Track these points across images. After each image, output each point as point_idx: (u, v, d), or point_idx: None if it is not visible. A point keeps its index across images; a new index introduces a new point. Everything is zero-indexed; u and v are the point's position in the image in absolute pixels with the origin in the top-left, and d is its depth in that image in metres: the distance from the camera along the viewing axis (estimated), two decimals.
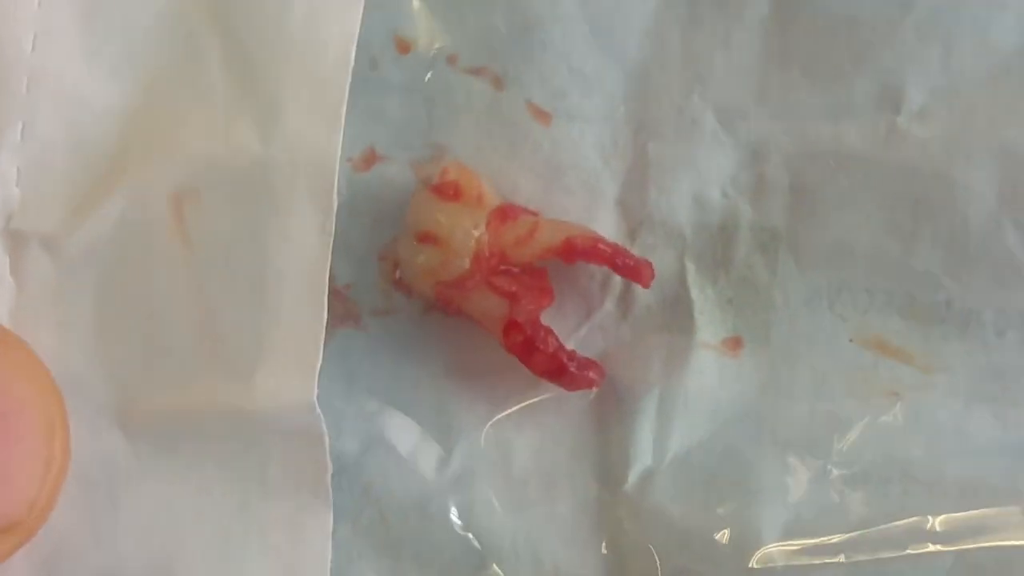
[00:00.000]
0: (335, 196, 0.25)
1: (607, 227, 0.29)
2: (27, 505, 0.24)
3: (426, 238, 0.27)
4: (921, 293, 0.29)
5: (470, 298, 0.27)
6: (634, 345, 0.29)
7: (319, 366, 0.25)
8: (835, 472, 0.29)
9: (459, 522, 0.29)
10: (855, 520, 0.28)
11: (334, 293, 0.28)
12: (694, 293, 0.29)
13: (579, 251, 0.27)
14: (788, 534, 0.28)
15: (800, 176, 0.29)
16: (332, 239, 0.26)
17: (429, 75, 0.29)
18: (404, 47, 0.28)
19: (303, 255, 0.26)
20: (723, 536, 0.28)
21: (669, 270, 0.29)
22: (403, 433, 0.29)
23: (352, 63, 0.26)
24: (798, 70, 0.29)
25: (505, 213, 0.28)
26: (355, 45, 0.26)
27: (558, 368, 0.27)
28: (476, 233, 0.27)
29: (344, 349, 0.28)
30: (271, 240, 0.26)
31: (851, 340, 0.29)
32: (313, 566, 0.26)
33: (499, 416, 0.29)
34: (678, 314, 0.29)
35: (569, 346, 0.28)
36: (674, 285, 0.29)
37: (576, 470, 0.29)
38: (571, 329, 0.29)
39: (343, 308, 0.29)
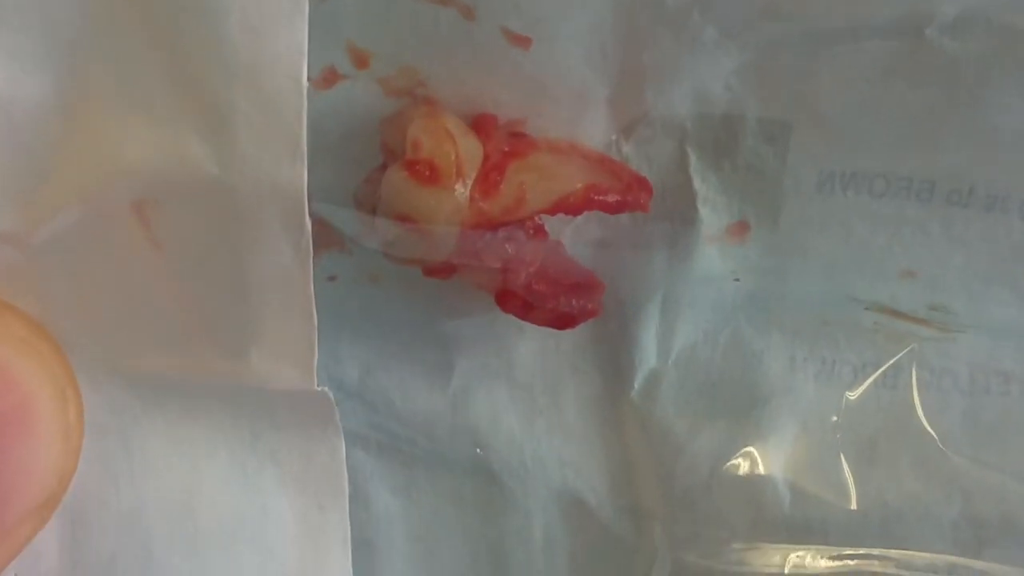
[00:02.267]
0: (307, 220, 0.24)
1: (598, 127, 0.26)
2: (56, 478, 0.25)
3: (403, 219, 0.25)
4: (943, 181, 0.26)
5: (460, 275, 0.26)
6: (634, 235, 0.27)
7: (315, 364, 0.25)
8: (842, 366, 0.28)
9: (467, 437, 0.29)
10: (861, 422, 0.28)
11: (314, 222, 0.27)
12: (696, 182, 0.27)
13: (572, 209, 0.26)
14: (796, 449, 0.28)
15: (813, 68, 0.25)
16: (311, 255, 0.24)
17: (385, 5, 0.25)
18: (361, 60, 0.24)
19: (281, 269, 0.24)
20: (731, 466, 0.28)
21: (669, 158, 0.27)
22: (401, 351, 0.28)
23: (305, 83, 0.23)
24: None
25: (487, 185, 0.25)
26: (305, 60, 0.22)
27: (557, 319, 0.27)
28: (458, 216, 0.25)
29: (330, 273, 0.27)
30: (244, 252, 0.24)
31: (865, 308, 0.27)
32: (330, 487, 0.27)
33: (497, 323, 0.28)
34: (680, 203, 0.27)
35: (566, 235, 0.27)
36: (675, 173, 0.27)
37: (581, 373, 0.29)
38: (568, 218, 0.27)
39: (325, 234, 0.27)
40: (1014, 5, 0.24)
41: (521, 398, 0.29)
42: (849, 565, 0.28)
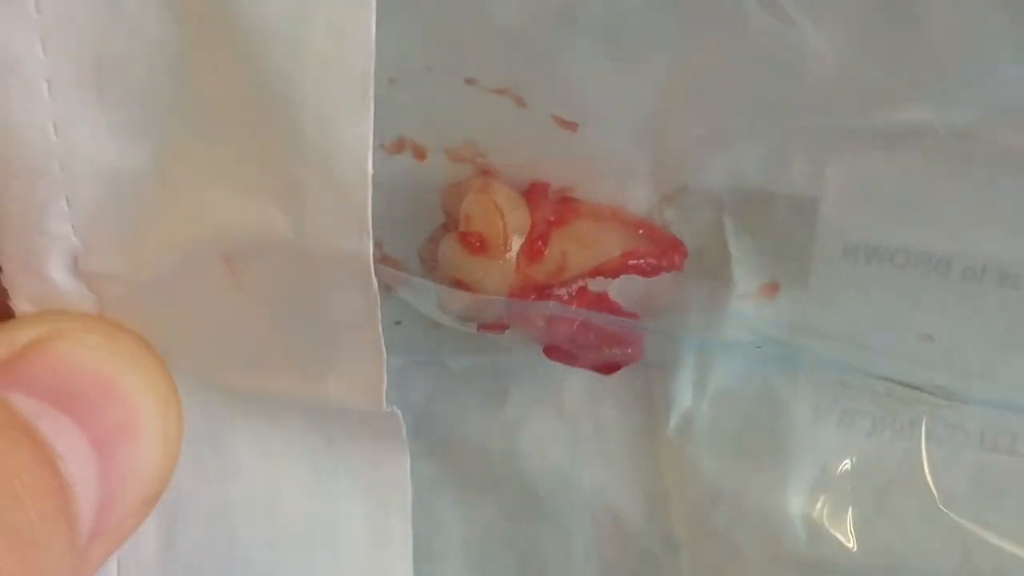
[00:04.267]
0: (374, 280, 0.26)
1: (641, 197, 0.29)
2: (157, 479, 0.28)
3: (458, 284, 0.28)
4: (958, 258, 0.29)
5: (510, 332, 0.29)
6: (674, 290, 0.30)
7: (385, 386, 0.28)
8: (863, 418, 0.31)
9: (517, 461, 0.32)
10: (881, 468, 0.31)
11: (384, 259, 0.30)
12: (732, 246, 0.29)
13: (610, 273, 0.28)
14: (815, 492, 0.31)
15: (835, 158, 0.28)
16: (378, 305, 0.27)
17: (448, 95, 0.28)
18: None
19: (353, 315, 0.27)
20: (751, 502, 0.31)
21: (706, 224, 0.29)
22: (462, 382, 0.31)
23: (370, 170, 0.25)
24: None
25: (533, 252, 0.28)
26: (370, 150, 0.25)
27: (602, 367, 0.30)
28: (507, 282, 0.28)
29: (397, 318, 0.30)
30: (319, 301, 0.27)
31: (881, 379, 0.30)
32: (396, 494, 0.30)
33: (548, 361, 0.30)
34: (716, 263, 0.30)
35: (611, 287, 0.30)
36: (712, 237, 0.29)
37: (623, 409, 0.31)
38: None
39: (395, 275, 0.30)
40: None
41: (567, 428, 0.32)
42: None
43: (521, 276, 0.28)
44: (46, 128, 0.26)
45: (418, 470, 0.30)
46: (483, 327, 0.29)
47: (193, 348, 0.29)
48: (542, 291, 0.28)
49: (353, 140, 0.25)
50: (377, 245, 0.28)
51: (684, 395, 0.31)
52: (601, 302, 0.29)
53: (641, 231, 0.29)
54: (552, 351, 0.29)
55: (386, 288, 0.29)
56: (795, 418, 0.30)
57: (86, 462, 0.26)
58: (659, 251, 0.28)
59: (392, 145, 0.28)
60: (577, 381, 0.31)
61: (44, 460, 0.25)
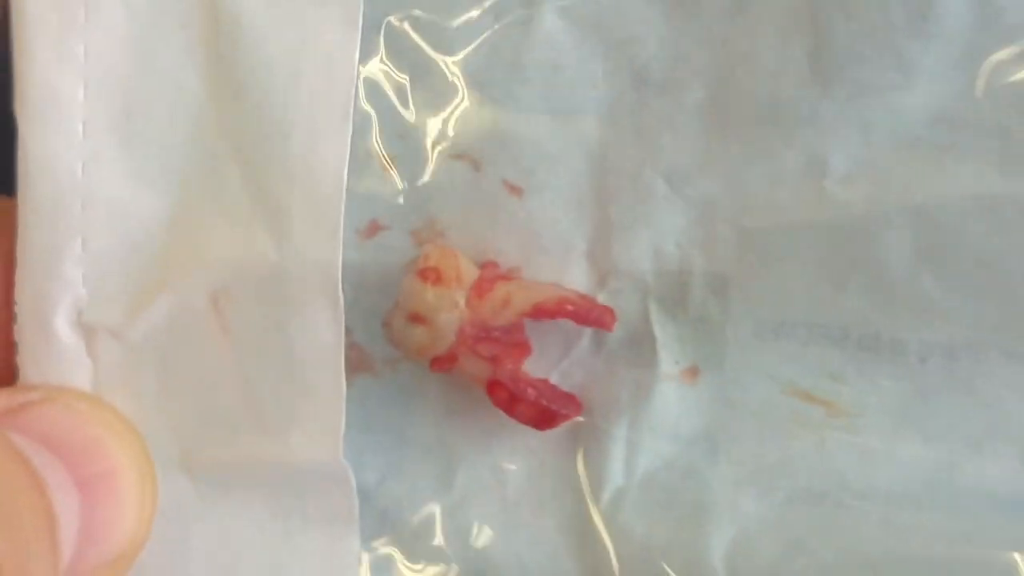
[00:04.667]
0: (340, 294, 0.30)
1: (579, 278, 0.34)
2: (130, 539, 0.30)
3: (415, 319, 0.32)
4: (854, 327, 0.33)
5: (459, 364, 0.33)
6: (607, 376, 0.34)
7: (342, 431, 0.31)
8: (778, 490, 0.34)
9: (461, 543, 0.34)
10: (792, 535, 0.34)
11: (351, 346, 0.33)
12: (656, 330, 0.34)
13: (547, 313, 0.32)
14: (733, 548, 0.33)
15: (743, 230, 0.33)
16: (342, 326, 0.31)
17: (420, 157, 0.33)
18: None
19: (320, 342, 0.31)
20: (676, 556, 0.34)
21: (635, 311, 0.34)
22: (412, 465, 0.34)
23: (345, 183, 0.30)
24: (735, 143, 0.32)
25: (481, 287, 0.32)
26: (346, 167, 0.30)
27: (541, 413, 0.33)
28: (457, 312, 0.32)
29: (362, 394, 0.34)
30: (293, 330, 0.31)
31: (781, 392, 0.33)
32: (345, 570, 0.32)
33: (493, 446, 0.34)
34: (644, 349, 0.34)
35: (552, 378, 0.34)
36: (639, 323, 0.34)
37: (560, 491, 0.34)
38: (553, 364, 0.34)
39: (359, 358, 0.34)
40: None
41: (509, 509, 0.34)
42: None
43: (471, 308, 0.32)
44: (75, 167, 0.31)
45: (368, 548, 0.33)
46: (436, 362, 0.32)
47: (173, 422, 0.32)
48: (487, 329, 0.32)
49: (334, 155, 0.31)
50: (348, 332, 0.32)
51: (616, 475, 0.34)
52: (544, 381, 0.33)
53: (578, 295, 0.33)
54: (494, 388, 0.32)
55: (352, 368, 0.33)
56: (717, 494, 0.33)
57: (71, 500, 0.29)
58: (591, 306, 0.33)
59: (366, 229, 0.33)
60: (519, 469, 0.34)
61: (36, 485, 0.28)
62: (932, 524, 0.33)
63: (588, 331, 0.34)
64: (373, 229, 0.33)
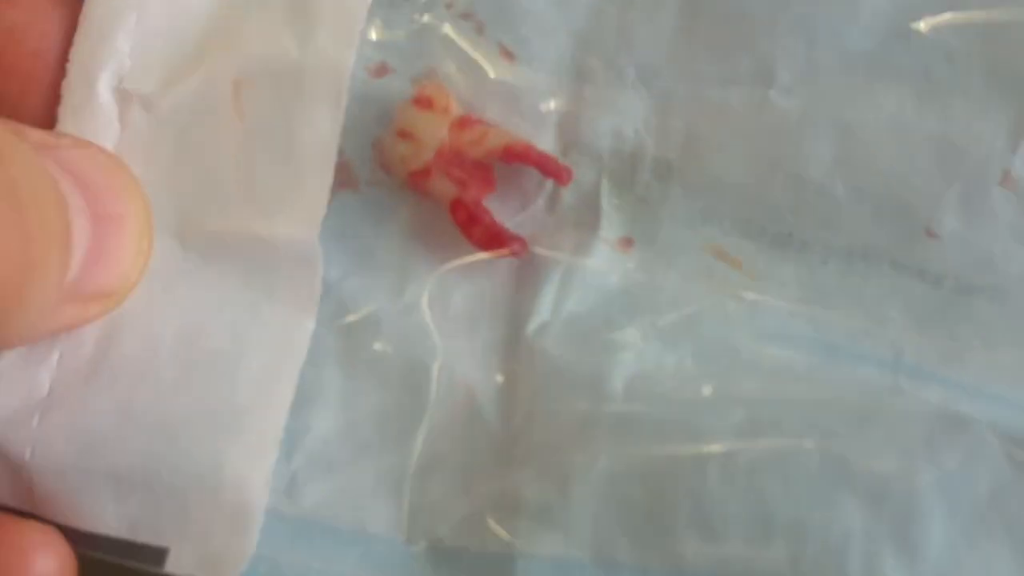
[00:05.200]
0: (344, 95, 0.35)
1: (546, 145, 0.39)
2: (124, 278, 0.34)
3: (403, 135, 0.37)
4: (771, 225, 0.38)
5: (432, 182, 0.38)
6: (553, 232, 0.39)
7: (323, 215, 0.36)
8: (681, 347, 0.38)
9: (402, 342, 0.39)
10: (681, 385, 0.38)
11: (342, 164, 0.38)
12: (603, 202, 0.39)
13: (515, 154, 0.37)
14: (630, 384, 0.38)
15: (693, 124, 0.38)
16: (340, 126, 0.36)
17: (428, 16, 0.38)
18: None
19: (319, 134, 0.36)
20: (583, 379, 0.38)
21: (588, 182, 0.39)
22: (372, 271, 0.38)
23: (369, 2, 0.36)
24: (700, 45, 0.38)
25: (464, 122, 0.38)
26: None
27: (492, 238, 0.37)
28: (440, 135, 0.37)
29: (342, 206, 0.38)
30: (297, 122, 0.36)
31: (700, 247, 0.38)
32: (293, 353, 0.36)
33: (444, 268, 0.38)
34: (589, 215, 0.39)
35: (507, 227, 0.38)
36: (590, 193, 0.39)
37: (494, 317, 0.39)
38: (509, 216, 0.39)
39: (347, 175, 0.38)
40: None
41: (448, 324, 0.39)
42: None
43: (452, 134, 0.37)
44: None
45: (319, 334, 0.37)
46: (413, 175, 0.38)
47: (177, 191, 0.36)
48: (462, 156, 0.38)
49: None
50: (342, 152, 0.37)
51: (544, 311, 0.38)
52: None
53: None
54: (457, 206, 0.37)
55: (338, 182, 0.38)
56: (626, 337, 0.38)
57: (84, 225, 0.33)
58: (554, 159, 0.38)
59: (375, 69, 0.39)
60: (463, 292, 0.39)
61: (60, 199, 0.31)
62: (806, 403, 0.37)
63: (544, 192, 0.39)
64: (381, 70, 0.38)
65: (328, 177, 0.36)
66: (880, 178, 0.37)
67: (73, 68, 0.36)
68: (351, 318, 0.38)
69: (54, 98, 0.36)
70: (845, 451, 0.36)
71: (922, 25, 0.37)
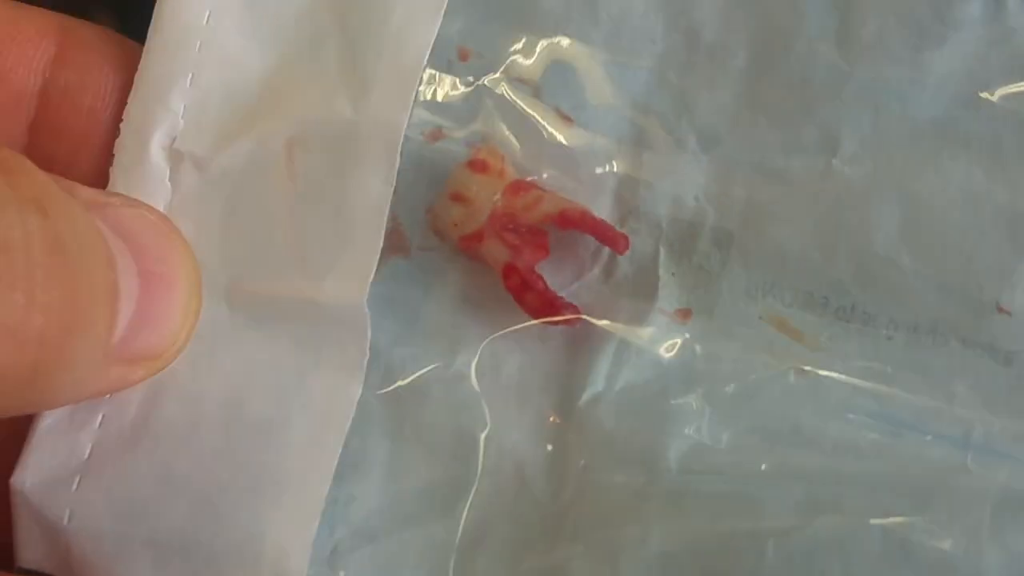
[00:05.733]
0: (397, 157, 0.34)
1: (603, 211, 0.38)
2: (171, 339, 0.33)
3: (457, 198, 0.37)
4: (834, 297, 0.37)
5: (485, 246, 0.37)
6: (609, 302, 0.38)
7: (371, 278, 0.34)
8: (739, 421, 0.37)
9: (451, 411, 0.38)
10: (740, 459, 0.37)
11: (395, 230, 0.37)
12: (661, 271, 0.38)
13: (570, 220, 0.37)
14: (685, 458, 0.37)
15: (755, 193, 0.37)
16: (392, 188, 0.35)
17: (484, 79, 0.38)
18: (464, 55, 0.37)
19: (371, 197, 0.35)
20: (637, 452, 0.37)
21: (646, 251, 0.38)
22: (422, 338, 0.38)
23: (424, 63, 0.35)
24: (763, 112, 0.37)
25: (518, 186, 0.37)
26: (429, 50, 0.35)
27: (545, 305, 0.37)
28: (494, 198, 0.37)
29: (393, 271, 0.38)
30: (349, 183, 0.35)
31: (760, 318, 0.37)
32: (338, 420, 0.35)
33: (496, 336, 0.38)
34: (647, 285, 0.38)
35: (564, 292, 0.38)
36: (648, 262, 0.38)
37: (546, 386, 0.38)
38: (564, 284, 0.38)
39: (399, 241, 0.38)
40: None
41: (500, 393, 0.38)
42: None
43: (506, 199, 0.37)
44: (203, 14, 0.36)
45: (364, 399, 0.36)
46: (465, 239, 0.37)
47: (227, 254, 0.36)
48: (516, 221, 0.37)
49: (423, 38, 0.36)
50: (394, 217, 0.37)
51: (598, 382, 0.37)
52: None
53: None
54: (509, 272, 0.37)
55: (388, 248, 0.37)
56: (684, 413, 0.37)
57: (132, 285, 0.32)
58: (611, 226, 0.37)
59: (430, 134, 0.38)
60: (514, 361, 0.38)
61: (109, 257, 0.31)
62: (869, 480, 0.36)
63: (600, 260, 0.38)
64: (436, 135, 0.38)
65: (378, 240, 0.35)
66: (948, 250, 0.36)
67: (126, 128, 0.35)
68: (399, 385, 0.37)
69: (106, 158, 0.35)
70: (908, 531, 0.35)
71: (992, 94, 0.36)
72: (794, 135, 0.37)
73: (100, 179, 0.35)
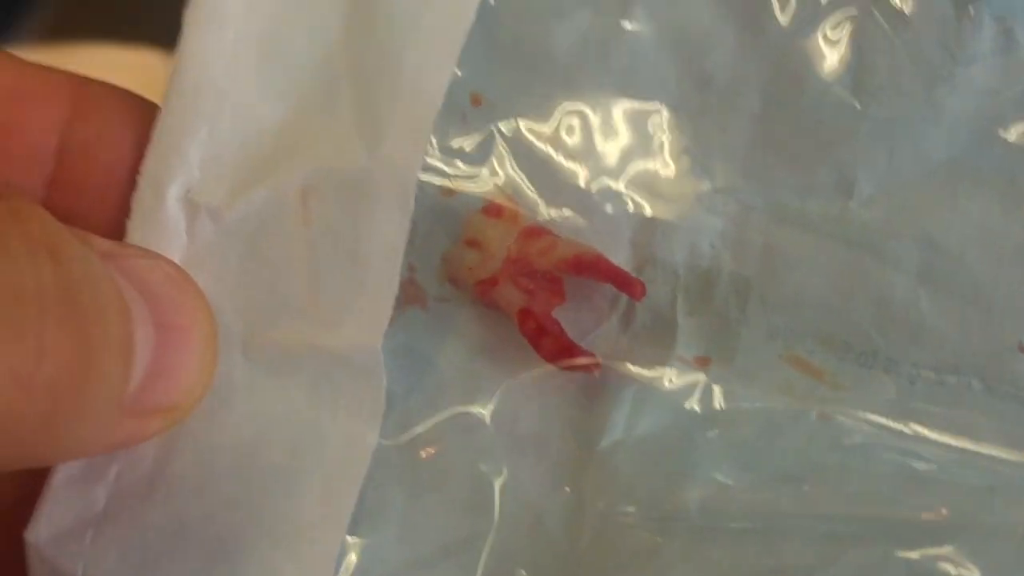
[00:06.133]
0: (411, 203, 0.35)
1: (619, 258, 0.38)
2: (187, 392, 0.33)
3: (471, 243, 0.37)
4: (855, 342, 0.37)
5: (500, 291, 0.37)
6: (627, 351, 0.37)
7: (386, 325, 0.35)
8: (761, 464, 0.37)
9: (467, 459, 0.37)
10: (762, 500, 0.36)
11: (410, 280, 0.37)
12: (679, 318, 0.37)
13: (585, 265, 0.36)
14: (707, 501, 0.36)
15: (771, 238, 0.37)
16: (407, 236, 0.35)
17: (500, 125, 0.38)
18: (477, 101, 0.38)
19: (385, 241, 0.35)
20: (657, 497, 0.36)
21: (663, 299, 0.38)
22: (437, 384, 0.37)
23: (437, 111, 0.35)
24: (777, 155, 0.37)
25: (532, 231, 0.37)
26: (441, 98, 0.35)
27: (562, 350, 0.36)
28: (508, 243, 0.37)
29: (409, 323, 0.37)
30: (364, 231, 0.35)
31: (780, 358, 0.37)
32: (354, 469, 0.35)
33: (513, 382, 0.37)
34: (665, 333, 0.37)
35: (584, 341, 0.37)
36: (665, 310, 0.38)
37: (563, 434, 0.37)
38: (581, 335, 0.37)
39: (415, 292, 0.38)
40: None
41: (517, 441, 0.37)
42: None
43: (520, 243, 0.37)
44: (219, 66, 0.37)
45: (380, 450, 0.36)
46: (480, 284, 0.37)
47: (242, 303, 0.36)
48: (531, 266, 0.37)
49: (436, 87, 0.36)
50: (411, 268, 0.37)
51: (616, 430, 0.37)
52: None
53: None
54: (525, 316, 0.36)
55: (403, 301, 0.37)
56: (702, 458, 0.37)
57: (147, 336, 0.32)
58: (625, 273, 0.37)
59: (446, 189, 0.38)
60: (531, 409, 0.37)
61: (124, 308, 0.31)
62: (894, 518, 0.36)
63: (618, 308, 0.38)
64: (450, 182, 0.38)
65: (393, 287, 0.35)
66: (967, 291, 0.36)
67: (143, 181, 0.36)
68: (415, 434, 0.37)
69: (123, 211, 0.36)
70: (934, 563, 0.35)
71: (1006, 130, 0.36)
72: (809, 178, 0.37)
73: (117, 233, 0.36)
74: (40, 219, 0.30)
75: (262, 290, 0.36)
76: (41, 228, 0.30)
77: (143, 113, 0.36)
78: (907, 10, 0.37)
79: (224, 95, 0.36)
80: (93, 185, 0.36)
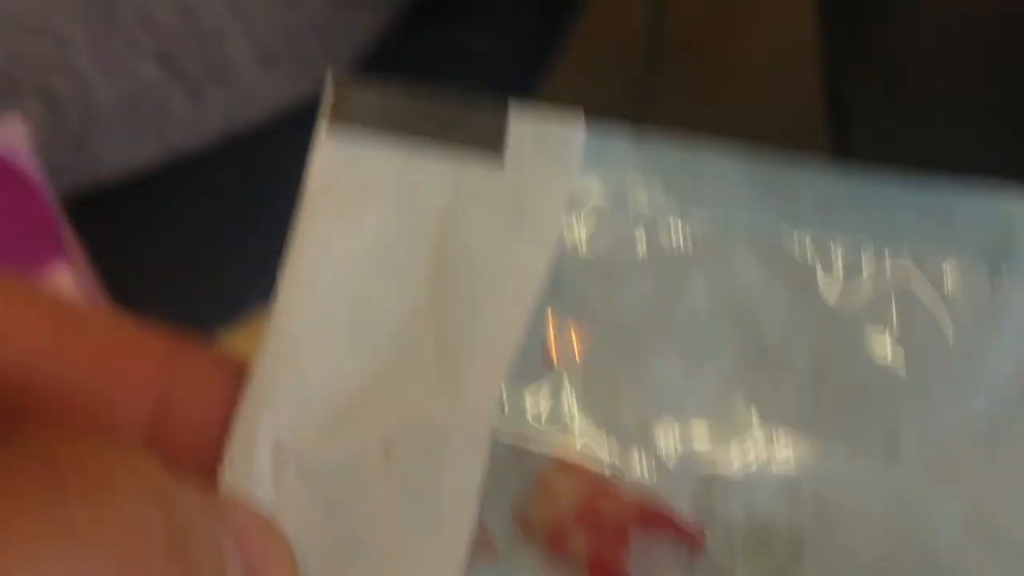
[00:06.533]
0: (486, 457, 0.38)
1: (681, 512, 0.40)
2: None
3: (543, 495, 0.39)
4: None
5: (569, 542, 0.39)
6: None
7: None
8: None
9: None
10: None
11: (482, 535, 0.40)
12: (739, 572, 0.39)
13: (649, 517, 0.39)
14: None
15: (823, 496, 0.39)
16: (480, 486, 0.38)
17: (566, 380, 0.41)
18: (548, 352, 0.41)
19: (462, 493, 0.38)
20: None
21: (722, 552, 0.40)
22: None
23: (511, 364, 0.39)
24: (825, 416, 0.40)
25: (599, 483, 0.39)
26: (518, 349, 0.39)
27: None
28: (578, 494, 0.39)
29: (481, 574, 0.39)
30: (440, 481, 0.38)
31: None
32: None
33: None
34: None
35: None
36: (725, 565, 0.40)
37: None
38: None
39: (486, 547, 0.39)
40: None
41: None
42: None
43: (587, 497, 0.39)
44: (315, 323, 0.40)
45: None
46: (551, 535, 0.39)
47: (324, 551, 0.38)
48: (599, 517, 0.39)
49: (512, 344, 0.39)
50: (482, 522, 0.39)
51: None
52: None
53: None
54: (596, 568, 0.39)
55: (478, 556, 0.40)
56: None
57: None
58: (686, 526, 0.39)
59: (518, 436, 0.41)
60: None
61: (222, 557, 0.34)
62: None
63: (680, 562, 0.40)
64: (524, 436, 0.40)
65: (464, 537, 0.37)
66: (1011, 546, 0.38)
67: (235, 435, 0.38)
68: None
69: (215, 459, 0.38)
70: None
71: None
72: (857, 437, 0.39)
73: (210, 482, 0.38)
74: (150, 466, 0.32)
75: (341, 541, 0.38)
76: (151, 475, 0.32)
77: (235, 369, 0.39)
78: (947, 281, 0.40)
79: (317, 351, 0.39)
80: (187, 442, 0.38)
